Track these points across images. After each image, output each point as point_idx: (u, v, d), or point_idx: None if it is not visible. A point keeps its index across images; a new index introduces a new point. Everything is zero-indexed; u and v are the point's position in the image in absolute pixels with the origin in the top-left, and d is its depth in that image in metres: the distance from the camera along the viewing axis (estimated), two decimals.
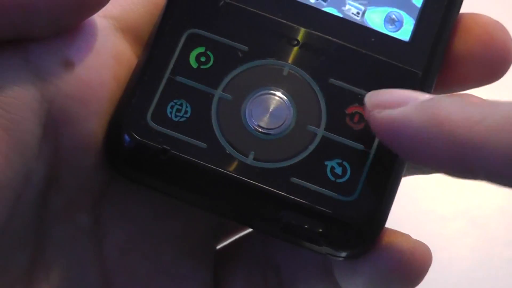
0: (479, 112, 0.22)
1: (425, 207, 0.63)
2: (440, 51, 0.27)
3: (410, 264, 0.26)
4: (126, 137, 0.26)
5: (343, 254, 0.26)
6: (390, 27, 0.28)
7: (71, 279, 0.27)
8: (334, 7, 0.28)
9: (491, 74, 0.28)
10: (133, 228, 0.28)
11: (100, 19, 0.27)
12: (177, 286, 0.28)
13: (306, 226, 0.26)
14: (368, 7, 0.28)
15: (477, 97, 0.23)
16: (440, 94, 0.27)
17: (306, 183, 0.26)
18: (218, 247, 0.30)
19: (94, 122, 0.26)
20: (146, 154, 0.26)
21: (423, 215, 0.62)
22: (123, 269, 0.28)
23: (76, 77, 0.26)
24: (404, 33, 0.28)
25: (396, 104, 0.24)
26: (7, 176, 0.24)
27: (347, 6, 0.28)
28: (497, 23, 0.28)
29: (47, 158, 0.26)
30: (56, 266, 0.27)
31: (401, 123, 0.24)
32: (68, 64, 0.26)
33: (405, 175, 0.28)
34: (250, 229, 0.30)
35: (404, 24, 0.28)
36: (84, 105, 0.26)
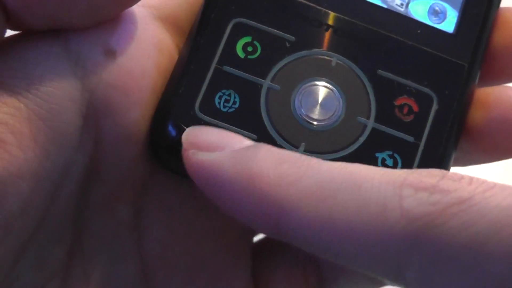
0: (293, 171, 0.21)
1: None
2: (483, 44, 0.28)
3: None
4: (173, 128, 0.26)
5: None
6: (434, 18, 0.28)
7: (109, 273, 0.27)
8: None
9: None
10: (174, 222, 0.27)
11: (139, 8, 0.26)
12: (217, 281, 0.28)
13: None
14: None
15: (297, 155, 0.22)
16: (481, 86, 0.28)
17: None
18: (257, 241, 0.30)
19: (136, 112, 0.26)
20: None
21: None
22: (163, 264, 0.27)
23: (117, 66, 0.25)
24: (448, 25, 0.28)
25: (213, 147, 0.23)
26: (46, 167, 0.24)
27: None
28: None
29: (88, 149, 0.25)
30: (94, 260, 0.26)
31: (213, 170, 0.22)
32: (110, 53, 0.25)
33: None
34: None
35: (447, 16, 0.28)
36: (126, 95, 0.25)
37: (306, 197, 0.20)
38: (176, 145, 0.26)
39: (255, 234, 0.30)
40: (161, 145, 0.26)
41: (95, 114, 0.25)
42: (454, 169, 0.29)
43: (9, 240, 0.23)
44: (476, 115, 0.27)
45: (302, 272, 0.29)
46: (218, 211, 0.28)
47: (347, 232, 0.20)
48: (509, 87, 0.27)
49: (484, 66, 0.28)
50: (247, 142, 0.23)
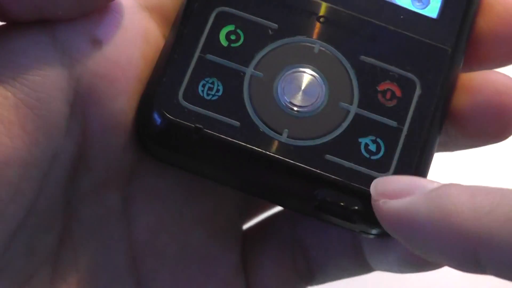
0: (488, 203, 0.21)
1: None
2: (467, 28, 0.27)
3: None
4: (158, 117, 0.26)
5: (377, 231, 0.26)
6: (418, 4, 0.28)
7: (99, 260, 0.27)
8: None
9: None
10: (162, 209, 0.28)
11: None
12: (206, 267, 0.28)
13: (342, 204, 0.25)
14: None
15: (487, 187, 0.22)
16: (466, 71, 0.28)
17: (341, 160, 0.26)
18: (246, 227, 0.30)
19: (122, 101, 0.26)
20: (178, 133, 0.26)
21: None
22: (151, 250, 0.27)
23: (103, 56, 0.26)
24: (432, 10, 0.28)
25: (403, 194, 0.23)
26: (34, 155, 0.24)
27: None
28: None
29: (75, 137, 0.25)
30: (84, 247, 0.27)
31: (407, 216, 0.22)
32: (96, 42, 0.25)
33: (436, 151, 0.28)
34: (277, 210, 0.30)
35: (431, 1, 0.28)
36: (112, 84, 0.26)
37: (503, 225, 0.21)
38: (161, 133, 0.26)
39: (244, 220, 0.30)
40: (146, 134, 0.26)
41: (81, 103, 0.25)
42: (441, 155, 0.29)
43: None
44: (461, 100, 0.27)
45: (291, 257, 0.29)
46: (206, 198, 0.28)
47: None
48: (494, 71, 0.27)
49: (468, 51, 0.28)
50: (435, 184, 0.23)
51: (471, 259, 0.21)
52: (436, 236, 0.22)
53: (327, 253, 0.29)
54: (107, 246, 0.27)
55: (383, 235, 0.26)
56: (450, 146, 0.28)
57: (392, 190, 0.23)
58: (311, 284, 0.30)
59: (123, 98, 0.26)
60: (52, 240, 0.26)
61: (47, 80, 0.25)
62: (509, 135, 0.27)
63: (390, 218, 0.23)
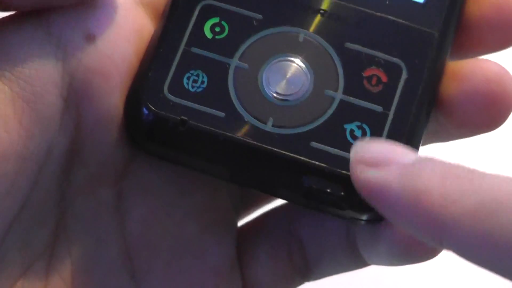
0: (456, 189, 0.21)
1: None
2: (455, 13, 0.27)
3: None
4: (144, 110, 0.26)
5: (366, 216, 0.26)
6: None
7: (93, 253, 0.27)
8: None
9: (505, 40, 0.27)
10: (156, 203, 0.28)
11: None
12: (199, 260, 0.28)
13: (329, 190, 0.25)
14: None
15: (459, 169, 0.22)
16: (457, 59, 0.27)
17: (327, 147, 0.26)
18: (242, 222, 0.30)
19: (115, 96, 0.26)
20: (165, 126, 0.26)
21: None
22: (145, 244, 0.28)
23: (97, 51, 0.26)
24: None
25: (379, 164, 0.23)
26: (29, 148, 0.25)
27: None
28: None
29: (69, 131, 0.26)
30: (78, 240, 0.27)
31: (380, 189, 0.23)
32: (90, 37, 0.26)
33: (424, 144, 0.27)
34: (273, 205, 0.30)
35: None
36: (105, 79, 0.26)
37: (467, 217, 0.21)
38: (148, 127, 0.26)
39: (239, 214, 0.30)
40: (134, 129, 0.26)
41: (75, 98, 0.26)
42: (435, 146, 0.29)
43: None
44: (450, 87, 0.27)
45: (287, 252, 0.29)
46: (200, 192, 0.28)
47: (507, 250, 0.20)
48: (484, 59, 0.27)
49: (458, 38, 0.28)
50: (412, 155, 0.23)
51: (437, 240, 0.22)
52: (406, 213, 0.22)
53: (322, 247, 0.29)
54: (101, 240, 0.27)
55: (373, 221, 0.26)
56: (442, 136, 0.28)
57: (369, 158, 0.23)
58: (308, 279, 0.30)
59: (116, 94, 0.26)
60: (46, 233, 0.26)
61: (42, 74, 0.25)
62: (499, 125, 0.27)
63: (365, 188, 0.23)
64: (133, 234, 0.27)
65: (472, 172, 0.22)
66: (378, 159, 0.23)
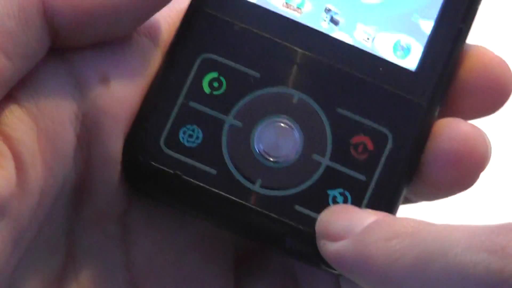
0: (399, 248, 0.24)
1: (425, 211, 0.63)
2: (445, 83, 0.28)
3: None
4: (140, 161, 0.27)
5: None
6: (399, 53, 0.29)
7: (99, 284, 0.28)
8: (345, 31, 0.29)
9: (487, 108, 0.28)
10: (158, 235, 0.29)
11: (141, 38, 0.28)
12: None
13: (308, 252, 0.27)
14: (378, 33, 0.29)
15: (401, 227, 0.24)
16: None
17: (309, 211, 0.27)
18: (241, 253, 0.31)
19: (123, 140, 0.27)
20: (159, 178, 0.27)
21: (423, 216, 0.62)
22: (149, 275, 0.29)
23: (110, 93, 0.27)
24: (411, 61, 0.28)
25: (338, 237, 0.25)
26: (49, 184, 0.26)
27: (358, 31, 0.29)
28: (496, 56, 0.28)
29: (79, 168, 0.27)
30: (85, 271, 0.28)
31: (338, 259, 0.25)
32: (105, 80, 0.27)
33: (408, 202, 0.28)
34: None
35: (411, 51, 0.29)
36: (114, 122, 0.27)
37: (408, 271, 0.23)
38: (144, 176, 0.27)
39: (239, 246, 0.31)
40: (131, 176, 0.28)
41: (87, 137, 0.27)
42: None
43: (16, 250, 0.26)
44: None
45: (281, 285, 0.30)
46: (199, 224, 0.29)
47: None
48: (459, 119, 0.27)
49: (445, 102, 0.28)
50: (365, 221, 0.25)
51: None
52: (361, 276, 0.25)
53: (315, 284, 0.30)
54: (107, 270, 0.28)
55: None
56: (420, 196, 0.29)
57: (330, 232, 0.26)
58: None
59: (123, 136, 0.27)
60: (56, 264, 0.28)
61: (62, 112, 0.26)
62: (469, 185, 0.27)
63: (327, 258, 0.26)
64: (138, 265, 0.29)
65: (416, 225, 0.24)
66: (337, 232, 0.26)
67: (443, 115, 0.28)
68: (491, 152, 0.27)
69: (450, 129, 0.27)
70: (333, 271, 0.27)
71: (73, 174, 0.27)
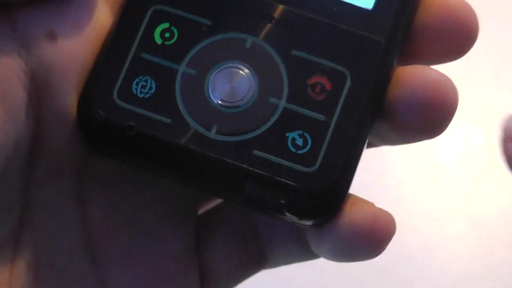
0: None
1: (425, 207, 0.63)
2: (403, 21, 0.27)
3: (373, 231, 0.26)
4: (94, 115, 0.27)
5: (307, 222, 0.26)
6: None
7: (56, 241, 0.28)
8: None
9: (451, 51, 0.27)
10: (115, 192, 0.29)
11: None
12: (158, 247, 0.29)
13: (269, 197, 0.26)
14: None
15: None
16: (402, 66, 0.27)
17: (268, 155, 0.26)
18: (202, 210, 0.31)
19: (73, 95, 0.27)
20: (113, 131, 0.27)
21: (423, 215, 0.62)
22: (105, 231, 0.29)
23: (58, 50, 0.26)
24: (367, 1, 0.28)
25: None
26: (1, 142, 0.25)
27: None
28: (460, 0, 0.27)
29: (31, 125, 0.26)
30: (42, 228, 0.28)
31: None
32: (52, 36, 0.26)
33: (370, 147, 0.27)
34: None
35: None
36: (64, 78, 0.27)
37: None
38: (98, 131, 0.27)
39: (200, 203, 0.31)
40: (85, 132, 0.27)
41: (36, 93, 0.26)
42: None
43: None
44: (390, 93, 0.27)
45: (243, 241, 0.30)
46: (159, 181, 0.29)
47: None
48: (427, 67, 0.27)
49: (407, 45, 0.28)
50: None
51: None
52: None
53: (275, 238, 0.29)
54: (63, 227, 0.28)
55: (315, 226, 0.27)
56: (385, 140, 0.28)
57: None
58: (264, 267, 0.31)
59: (74, 92, 0.27)
60: (12, 222, 0.27)
61: (9, 71, 0.26)
62: (439, 132, 0.27)
63: None
64: (94, 221, 0.29)
65: None
66: None
67: (407, 61, 0.28)
68: (458, 100, 0.27)
69: (420, 76, 0.26)
70: (295, 219, 0.26)
71: (26, 133, 0.26)
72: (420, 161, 0.64)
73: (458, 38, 0.27)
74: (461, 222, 0.61)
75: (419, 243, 0.59)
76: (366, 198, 0.27)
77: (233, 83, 0.27)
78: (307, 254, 0.29)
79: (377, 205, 0.27)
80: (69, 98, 0.27)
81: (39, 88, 0.26)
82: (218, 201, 0.31)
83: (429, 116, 0.26)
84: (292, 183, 0.26)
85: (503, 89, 0.65)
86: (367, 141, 0.27)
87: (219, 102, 0.27)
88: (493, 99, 0.65)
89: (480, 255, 0.60)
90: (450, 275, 0.60)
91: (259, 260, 0.30)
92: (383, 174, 0.60)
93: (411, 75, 0.26)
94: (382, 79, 0.27)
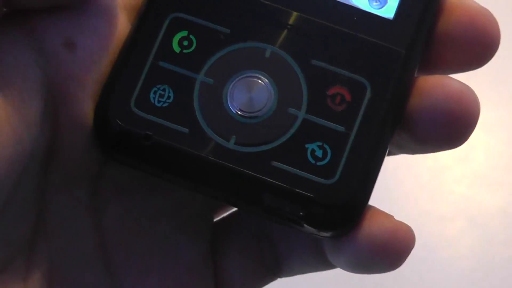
0: None
1: (425, 207, 0.63)
2: (424, 30, 0.27)
3: (391, 244, 0.26)
4: (111, 124, 0.26)
5: (325, 234, 0.26)
6: (375, 4, 0.28)
7: (70, 249, 0.28)
8: None
9: (472, 60, 0.27)
10: (130, 201, 0.29)
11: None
12: (173, 257, 0.29)
13: (287, 209, 0.25)
14: None
15: None
16: (423, 76, 0.27)
17: (287, 166, 0.26)
18: (217, 219, 0.31)
19: (90, 104, 0.27)
20: (130, 140, 0.26)
21: (423, 215, 0.62)
22: (120, 240, 0.29)
23: (76, 59, 0.26)
24: (388, 11, 0.27)
25: None
26: (18, 152, 0.25)
27: None
28: (481, 7, 0.27)
29: (48, 135, 0.26)
30: (56, 237, 0.28)
31: None
32: (71, 45, 0.26)
33: (388, 155, 0.27)
34: None
35: (388, 0, 0.28)
36: (81, 86, 0.26)
37: None
38: (115, 139, 0.27)
39: (215, 210, 0.31)
40: (102, 139, 0.27)
41: (53, 103, 0.26)
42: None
43: None
44: (411, 103, 0.27)
45: (259, 250, 0.30)
46: (174, 190, 0.29)
47: None
48: (448, 77, 0.27)
49: (427, 55, 0.27)
50: None
51: None
52: None
53: (292, 247, 0.29)
54: (78, 236, 0.28)
55: (333, 237, 0.26)
56: (406, 150, 0.28)
57: None
58: (279, 277, 0.31)
59: (92, 101, 0.27)
60: (26, 230, 0.27)
61: (28, 80, 0.26)
62: (460, 143, 0.27)
63: None
64: (109, 230, 0.28)
65: None
66: None
67: (428, 69, 0.28)
68: (480, 110, 0.27)
69: (442, 86, 0.26)
70: (313, 231, 0.26)
71: (42, 141, 0.26)
72: (420, 161, 0.64)
73: (480, 46, 0.27)
74: (461, 222, 0.61)
75: (419, 243, 0.59)
76: None
77: (251, 93, 0.26)
78: (324, 264, 0.29)
79: (377, 204, 0.27)
80: (86, 107, 0.27)
81: (56, 97, 0.26)
82: (234, 208, 0.31)
83: (450, 128, 0.26)
84: (311, 195, 0.25)
85: (503, 89, 0.65)
86: (387, 152, 0.27)
87: (238, 112, 0.26)
88: (493, 99, 0.65)
89: (480, 255, 0.60)
90: (450, 275, 0.60)
91: (274, 269, 0.30)
92: (383, 174, 0.60)
93: (432, 86, 0.26)
94: (402, 90, 0.26)
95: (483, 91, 0.58)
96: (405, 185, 0.62)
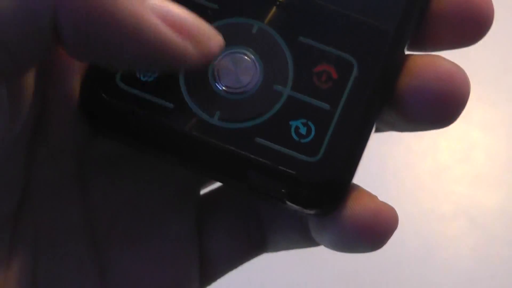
0: None
1: (425, 206, 0.62)
2: (414, 9, 0.27)
3: (374, 225, 0.26)
4: (96, 97, 0.26)
5: (308, 212, 0.26)
6: None
7: (55, 221, 0.28)
8: None
9: (465, 38, 0.27)
10: (116, 174, 0.29)
11: None
12: (159, 229, 0.29)
13: (271, 186, 0.25)
14: None
15: None
16: (414, 53, 0.27)
17: (271, 143, 0.26)
18: (204, 192, 0.31)
19: (77, 78, 0.27)
20: (115, 114, 0.26)
21: (423, 215, 0.62)
22: (106, 213, 0.29)
23: None
24: None
25: None
26: (14, 124, 0.25)
27: None
28: None
29: (37, 109, 0.26)
30: (41, 209, 0.28)
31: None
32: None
33: (376, 132, 0.27)
34: None
35: None
36: (68, 61, 0.27)
37: None
38: (100, 113, 0.27)
39: (202, 185, 0.31)
40: (87, 114, 0.27)
41: (43, 76, 0.26)
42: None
43: None
44: (401, 82, 0.26)
45: (245, 225, 0.30)
46: (161, 165, 0.29)
47: None
48: (439, 56, 0.27)
49: (418, 32, 0.27)
50: None
51: None
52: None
53: (277, 223, 0.29)
54: (63, 208, 0.28)
55: (317, 215, 0.26)
56: (395, 127, 0.28)
57: None
58: (264, 252, 0.31)
59: (78, 76, 0.27)
60: (13, 201, 0.27)
61: None
62: (450, 122, 0.26)
63: None
64: (94, 202, 0.28)
65: None
66: None
67: (420, 47, 0.27)
68: (470, 91, 0.27)
69: (433, 65, 0.26)
70: (296, 208, 0.26)
71: (32, 114, 0.26)
72: (420, 160, 0.63)
73: (473, 24, 0.27)
74: (461, 221, 0.61)
75: (419, 243, 0.59)
76: None
77: (237, 69, 0.26)
78: (308, 241, 0.29)
79: None
80: (73, 80, 0.27)
81: (44, 71, 0.26)
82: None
83: (440, 107, 0.26)
84: (293, 172, 0.25)
85: (503, 89, 0.65)
86: (373, 131, 0.27)
87: (223, 88, 0.26)
88: (493, 99, 0.65)
89: (480, 255, 0.60)
90: (450, 274, 0.59)
91: (259, 244, 0.30)
92: (383, 174, 0.60)
93: (423, 65, 0.26)
94: (390, 69, 0.26)
95: (483, 91, 0.57)
96: (405, 185, 0.62)
